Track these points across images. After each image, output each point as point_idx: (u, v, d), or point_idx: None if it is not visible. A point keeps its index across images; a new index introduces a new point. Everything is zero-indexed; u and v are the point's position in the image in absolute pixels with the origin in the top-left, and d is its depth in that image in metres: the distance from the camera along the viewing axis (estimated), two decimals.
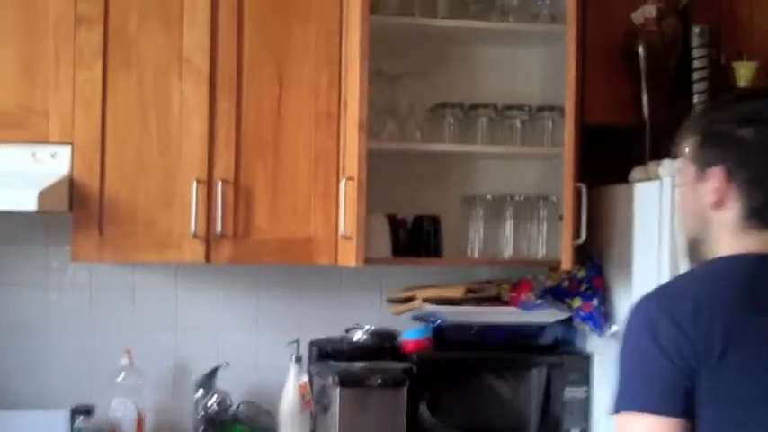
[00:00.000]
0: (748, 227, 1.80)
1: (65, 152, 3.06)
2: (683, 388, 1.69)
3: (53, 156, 3.05)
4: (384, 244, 3.24)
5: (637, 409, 1.71)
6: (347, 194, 3.09)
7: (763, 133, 1.80)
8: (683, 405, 1.69)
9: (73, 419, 3.18)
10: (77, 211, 3.05)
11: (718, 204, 1.81)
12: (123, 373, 3.21)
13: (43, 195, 2.87)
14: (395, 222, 3.32)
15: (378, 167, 3.12)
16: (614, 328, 3.15)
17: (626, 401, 1.73)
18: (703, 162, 1.83)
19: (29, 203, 2.84)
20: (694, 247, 1.90)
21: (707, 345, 1.68)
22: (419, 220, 3.38)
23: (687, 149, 1.89)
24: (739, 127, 1.81)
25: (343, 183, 3.11)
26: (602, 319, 3.16)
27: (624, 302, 3.11)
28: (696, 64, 3.26)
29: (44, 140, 3.05)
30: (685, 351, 1.69)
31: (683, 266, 2.83)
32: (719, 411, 1.69)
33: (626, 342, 1.78)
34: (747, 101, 1.92)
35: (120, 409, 3.17)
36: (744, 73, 3.28)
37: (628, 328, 1.79)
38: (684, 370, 1.69)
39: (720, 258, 1.82)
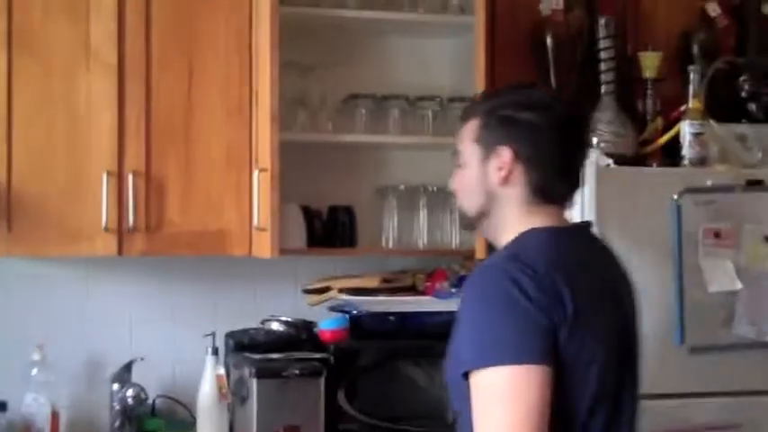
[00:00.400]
0: (534, 202, 1.98)
1: None
2: (552, 337, 1.83)
3: None
4: (299, 235, 3.25)
5: (514, 361, 1.80)
6: (260, 186, 3.09)
7: (544, 117, 1.97)
8: (553, 354, 1.82)
9: None
10: None
11: (506, 181, 1.97)
12: (36, 368, 3.15)
13: None
14: (309, 213, 3.33)
15: (291, 158, 3.12)
16: None
17: (500, 354, 1.81)
18: (490, 142, 1.98)
19: None
20: (478, 220, 2.05)
21: (561, 305, 1.84)
22: (333, 210, 3.39)
23: (470, 132, 2.03)
24: (521, 111, 1.97)
25: (256, 174, 3.11)
26: None
27: None
28: (603, 55, 3.32)
29: None
30: (548, 306, 1.83)
31: None
32: (571, 366, 1.84)
33: (488, 298, 1.87)
34: (523, 89, 2.08)
35: (33, 404, 3.12)
36: (649, 63, 3.35)
37: (486, 286, 1.89)
38: (551, 321, 1.83)
39: (534, 231, 1.96)
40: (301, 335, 3.25)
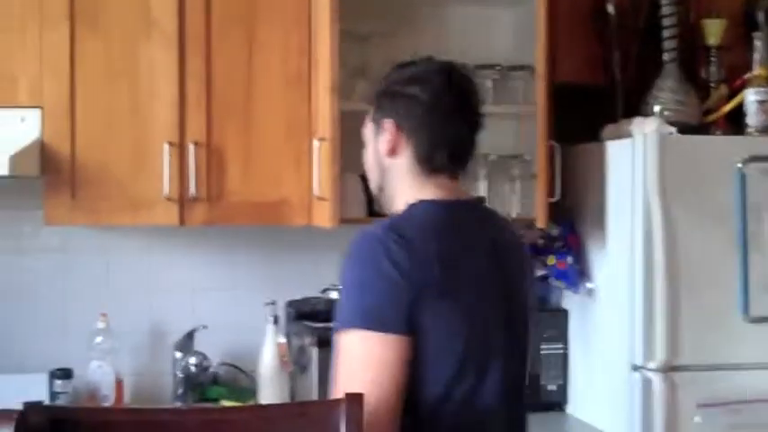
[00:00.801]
0: (422, 173, 2.10)
1: (34, 116, 3.03)
2: (415, 308, 1.93)
3: (22, 120, 3.03)
4: (358, 204, 3.24)
5: (373, 328, 1.93)
6: (320, 155, 3.09)
7: (428, 90, 2.09)
8: (414, 324, 1.93)
9: (51, 383, 3.19)
10: (49, 174, 3.03)
11: (392, 152, 2.10)
12: (100, 336, 3.20)
13: (14, 160, 2.85)
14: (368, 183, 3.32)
15: (350, 128, 3.10)
16: (589, 285, 3.18)
17: (363, 318, 1.94)
18: (378, 118, 2.14)
19: (0, 168, 2.81)
20: (379, 194, 2.20)
21: (430, 277, 1.94)
22: None
23: (369, 113, 2.18)
24: (407, 86, 2.11)
25: (315, 144, 3.11)
26: (576, 276, 3.19)
27: (598, 260, 3.14)
28: (665, 22, 3.27)
29: (12, 104, 3.02)
30: (416, 277, 1.93)
31: (657, 221, 2.87)
32: (433, 335, 1.95)
33: (361, 265, 1.99)
34: (413, 64, 2.20)
35: (98, 372, 3.18)
36: (713, 30, 3.30)
37: (361, 253, 2.00)
38: (417, 292, 1.93)
39: (422, 203, 2.06)
40: None
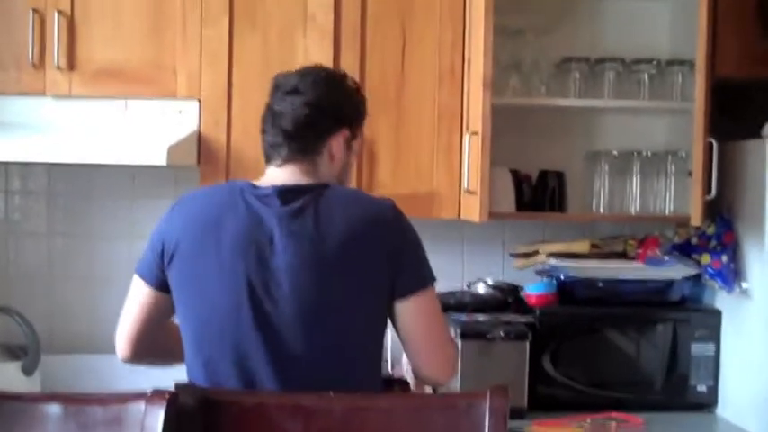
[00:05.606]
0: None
1: (192, 108, 3.13)
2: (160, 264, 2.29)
3: (181, 111, 3.13)
4: (508, 199, 3.23)
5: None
6: (471, 149, 3.08)
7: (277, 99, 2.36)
8: (159, 277, 2.30)
9: None
10: (205, 165, 3.12)
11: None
12: None
13: (173, 150, 2.94)
14: (518, 177, 3.31)
15: (502, 122, 3.10)
16: (744, 285, 3.09)
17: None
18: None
19: (159, 158, 2.92)
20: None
21: (175, 244, 2.26)
22: (543, 175, 3.37)
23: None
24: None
25: (467, 137, 3.11)
26: (731, 275, 3.10)
27: (755, 259, 3.05)
28: None
29: (172, 96, 3.12)
30: (164, 239, 2.28)
31: None
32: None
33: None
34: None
35: None
36: None
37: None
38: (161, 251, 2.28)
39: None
40: (507, 298, 3.25)
